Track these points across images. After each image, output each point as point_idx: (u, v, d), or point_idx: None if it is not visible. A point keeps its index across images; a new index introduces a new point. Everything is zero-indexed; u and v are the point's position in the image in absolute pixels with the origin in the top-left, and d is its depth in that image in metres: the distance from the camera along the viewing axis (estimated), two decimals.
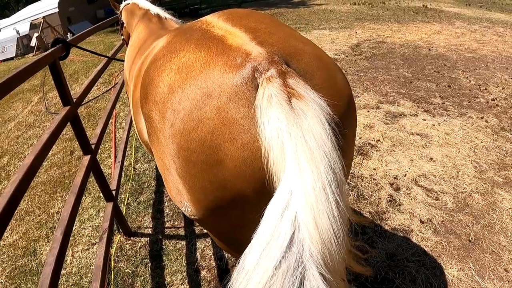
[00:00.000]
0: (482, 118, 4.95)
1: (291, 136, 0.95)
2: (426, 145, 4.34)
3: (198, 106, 1.12)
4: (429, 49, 8.52)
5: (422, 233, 3.08)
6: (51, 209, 4.11)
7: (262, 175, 1.04)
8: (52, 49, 2.38)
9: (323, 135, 0.97)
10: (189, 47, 1.28)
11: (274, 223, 0.93)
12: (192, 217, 1.33)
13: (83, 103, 3.04)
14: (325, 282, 0.93)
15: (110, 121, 4.71)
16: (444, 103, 5.51)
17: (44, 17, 20.61)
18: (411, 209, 3.34)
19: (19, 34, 20.38)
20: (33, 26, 20.86)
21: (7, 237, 3.72)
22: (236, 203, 1.18)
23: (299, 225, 0.92)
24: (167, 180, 1.35)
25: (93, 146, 2.82)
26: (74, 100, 2.56)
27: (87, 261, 3.20)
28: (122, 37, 3.91)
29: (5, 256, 3.50)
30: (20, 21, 22.93)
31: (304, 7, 18.32)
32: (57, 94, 7.58)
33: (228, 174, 1.11)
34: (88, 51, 3.29)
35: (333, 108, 1.05)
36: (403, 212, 3.31)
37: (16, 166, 5.53)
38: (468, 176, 3.75)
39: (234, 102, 1.08)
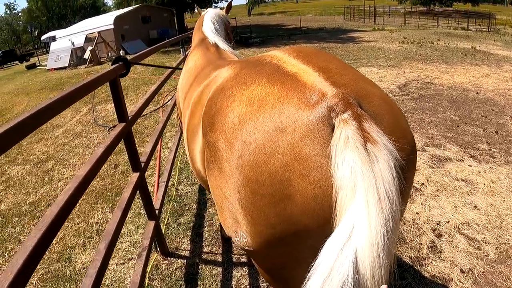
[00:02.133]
0: None
1: (364, 178, 0.96)
2: (471, 192, 4.21)
3: (271, 140, 1.13)
4: (477, 93, 8.34)
5: (462, 283, 2.96)
6: (91, 219, 4.22)
7: (329, 213, 1.05)
8: (114, 66, 2.48)
9: (391, 182, 0.98)
10: (261, 81, 1.30)
11: (335, 254, 0.93)
12: (246, 248, 1.32)
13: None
14: None
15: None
16: (490, 149, 5.35)
17: (99, 32, 21.58)
18: (452, 257, 3.23)
19: (73, 46, 21.38)
20: (88, 40, 21.86)
21: None
22: (297, 238, 1.17)
23: (356, 262, 0.92)
24: (223, 209, 1.35)
25: (142, 164, 2.90)
26: (130, 117, 2.64)
27: (121, 275, 3.25)
28: None
29: None
30: (76, 33, 24.12)
31: (353, 43, 18.42)
32: (106, 108, 7.93)
33: (295, 209, 1.11)
34: (151, 65, 3.40)
35: (399, 152, 1.06)
36: (443, 260, 3.21)
37: (60, 172, 5.74)
38: None
39: (309, 139, 1.08)
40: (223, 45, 3.03)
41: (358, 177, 0.97)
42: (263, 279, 2.87)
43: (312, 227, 1.12)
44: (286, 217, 1.13)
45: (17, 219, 4.48)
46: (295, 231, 1.15)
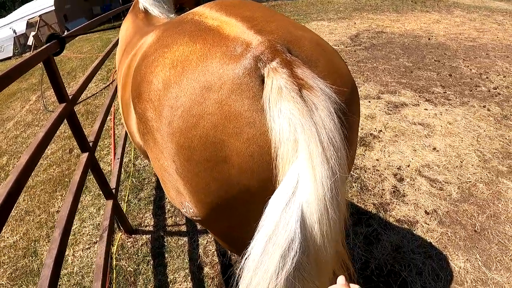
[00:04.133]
0: (484, 106, 4.90)
1: (304, 129, 0.91)
2: (429, 135, 4.30)
3: (197, 101, 1.06)
4: (429, 39, 8.45)
5: (427, 224, 3.04)
6: (51, 208, 4.08)
7: (269, 169, 1.00)
8: (46, 45, 2.33)
9: (333, 128, 0.94)
10: (183, 40, 1.22)
11: (279, 212, 0.89)
12: (194, 218, 1.28)
13: (80, 100, 2.99)
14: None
15: (108, 117, 4.66)
16: (445, 92, 5.45)
17: (40, 16, 20.58)
18: (416, 200, 3.30)
19: (16, 34, 20.35)
20: (29, 25, 20.83)
21: (8, 238, 3.68)
22: (241, 200, 1.13)
23: (303, 218, 0.89)
24: (165, 181, 1.29)
25: (91, 144, 2.78)
26: (70, 97, 2.51)
27: (88, 260, 3.17)
28: None
29: (6, 257, 3.47)
30: (17, 20, 22.88)
31: None
32: None
33: (233, 171, 1.06)
34: (85, 33, 3.21)
35: (338, 96, 1.01)
36: (407, 203, 3.27)
37: (15, 166, 5.50)
38: (472, 165, 3.71)
39: (237, 94, 1.02)
40: (152, 9, 2.85)
41: (298, 128, 0.92)
42: None
43: (253, 187, 1.08)
44: (225, 180, 1.09)
45: None
46: (237, 194, 1.11)
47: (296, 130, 0.92)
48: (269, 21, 1.19)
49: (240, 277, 0.95)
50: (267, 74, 0.99)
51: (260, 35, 1.08)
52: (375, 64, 6.98)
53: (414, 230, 2.99)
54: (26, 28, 20.71)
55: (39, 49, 2.21)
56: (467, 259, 2.71)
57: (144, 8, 2.86)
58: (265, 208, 0.93)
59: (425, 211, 3.16)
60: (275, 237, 0.88)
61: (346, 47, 8.35)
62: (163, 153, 1.20)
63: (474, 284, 2.53)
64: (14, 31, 20.45)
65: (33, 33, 18.96)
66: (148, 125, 1.25)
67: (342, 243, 1.08)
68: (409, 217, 3.13)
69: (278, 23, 1.20)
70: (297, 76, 0.98)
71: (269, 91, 0.97)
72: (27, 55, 18.29)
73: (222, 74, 1.05)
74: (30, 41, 19.13)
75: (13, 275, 3.23)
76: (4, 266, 3.35)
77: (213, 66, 1.07)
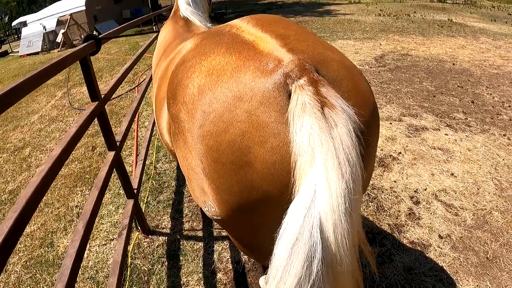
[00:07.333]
0: (504, 135, 4.86)
1: (322, 144, 0.98)
2: (448, 160, 4.29)
3: (229, 109, 1.15)
4: (453, 64, 8.42)
5: (440, 248, 3.04)
6: (70, 202, 4.18)
7: (288, 178, 1.06)
8: (84, 44, 2.42)
9: (350, 146, 1.00)
10: (220, 50, 1.31)
11: (300, 220, 0.95)
12: (215, 217, 1.35)
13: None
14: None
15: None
16: (467, 118, 5.43)
17: (71, 14, 21.01)
18: (430, 223, 3.30)
19: (45, 30, 20.80)
20: (59, 23, 21.29)
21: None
22: (260, 204, 1.20)
23: (321, 227, 0.95)
24: (191, 179, 1.37)
25: (117, 143, 2.87)
26: (102, 96, 2.60)
27: (103, 256, 3.24)
28: None
29: (22, 245, 3.56)
30: (47, 17, 23.39)
31: (329, 16, 18.33)
32: (81, 90, 7.76)
33: (256, 176, 1.13)
34: (122, 36, 3.33)
35: (359, 116, 1.07)
36: (422, 226, 3.27)
37: (37, 158, 5.64)
38: (489, 193, 3.69)
39: (265, 106, 1.10)
40: (193, 18, 2.99)
41: (316, 142, 0.99)
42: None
43: (272, 192, 1.15)
44: (247, 184, 1.16)
45: None
46: (257, 198, 1.18)
47: (314, 144, 0.98)
48: (301, 40, 1.27)
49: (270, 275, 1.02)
50: (294, 90, 1.07)
51: (291, 54, 1.16)
52: (398, 87, 6.98)
53: (427, 253, 2.99)
54: (56, 26, 21.14)
55: (76, 48, 2.29)
56: (477, 285, 2.69)
57: (184, 16, 3.00)
58: (285, 215, 0.99)
59: (439, 235, 3.16)
60: (297, 245, 0.95)
61: (371, 67, 8.37)
62: (192, 153, 1.28)
63: None
64: (44, 27, 20.90)
65: (62, 31, 19.39)
66: (180, 125, 1.33)
67: (356, 259, 1.13)
68: (423, 240, 3.13)
69: (309, 43, 1.27)
70: (321, 94, 1.04)
71: (294, 105, 1.04)
72: (55, 51, 18.72)
73: (254, 86, 1.13)
74: (59, 38, 19.55)
75: (27, 263, 3.31)
76: (19, 254, 3.44)
77: (246, 78, 1.16)
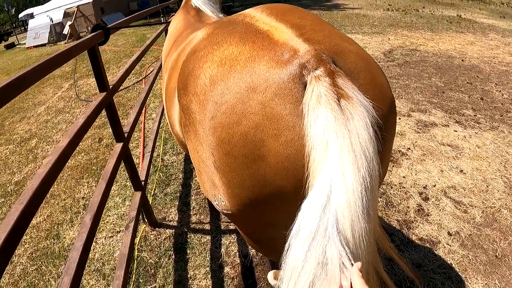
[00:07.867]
0: None
1: (338, 136, 0.94)
2: (457, 157, 4.25)
3: (242, 100, 1.10)
4: (462, 60, 8.34)
5: (449, 245, 3.01)
6: (77, 194, 4.18)
7: (303, 172, 1.02)
8: (92, 34, 2.40)
9: (367, 139, 0.96)
10: (233, 40, 1.26)
11: (315, 218, 0.92)
12: (225, 211, 1.31)
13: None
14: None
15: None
16: (476, 115, 5.38)
17: (78, 6, 21.05)
18: (439, 220, 3.27)
19: (52, 22, 20.86)
20: (66, 15, 21.33)
21: None
22: (273, 199, 1.16)
23: (337, 223, 0.91)
24: (201, 172, 1.33)
25: (125, 134, 2.85)
26: (110, 86, 2.58)
27: (110, 249, 3.23)
28: None
29: (28, 237, 3.56)
30: (54, 9, 23.44)
31: (337, 10, 18.18)
32: (88, 82, 7.77)
33: (269, 170, 1.09)
34: (130, 26, 3.30)
35: (376, 111, 1.04)
36: (431, 223, 3.24)
37: (43, 149, 5.65)
38: (498, 191, 3.65)
39: (280, 98, 1.05)
40: (205, 8, 2.95)
41: (331, 135, 0.95)
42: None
43: (286, 187, 1.11)
44: (260, 178, 1.12)
45: (3, 200, 4.40)
46: (270, 193, 1.14)
47: (329, 136, 0.94)
48: (317, 31, 1.22)
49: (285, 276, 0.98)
50: (309, 81, 1.02)
51: (307, 44, 1.11)
52: (407, 82, 6.93)
53: (436, 250, 2.96)
54: (63, 17, 21.19)
55: (84, 38, 2.27)
56: (486, 283, 2.67)
57: (195, 6, 2.96)
58: (299, 211, 0.96)
59: (448, 232, 3.13)
60: (315, 243, 0.91)
61: (379, 62, 8.28)
62: (203, 145, 1.23)
63: None
64: (51, 19, 20.96)
65: (69, 23, 19.43)
66: (191, 117, 1.29)
67: (376, 257, 1.09)
68: (432, 236, 3.10)
69: (325, 33, 1.22)
70: (338, 85, 1.00)
71: (309, 97, 1.00)
72: (62, 43, 18.75)
73: (268, 77, 1.08)
74: (66, 30, 19.59)
75: (33, 255, 3.32)
76: (25, 245, 3.44)
77: (260, 69, 1.11)
